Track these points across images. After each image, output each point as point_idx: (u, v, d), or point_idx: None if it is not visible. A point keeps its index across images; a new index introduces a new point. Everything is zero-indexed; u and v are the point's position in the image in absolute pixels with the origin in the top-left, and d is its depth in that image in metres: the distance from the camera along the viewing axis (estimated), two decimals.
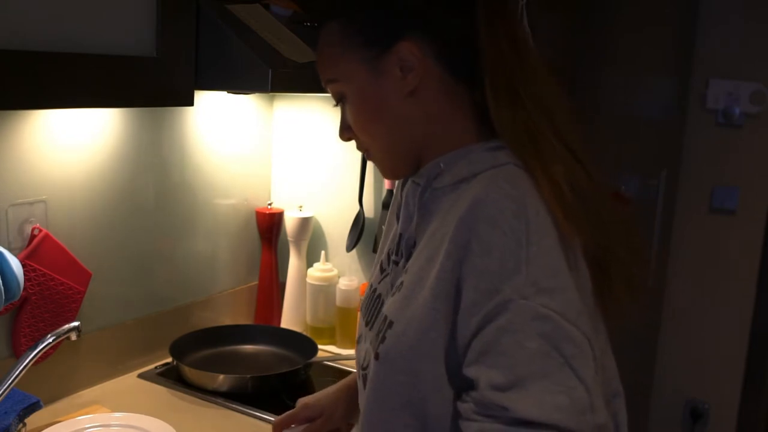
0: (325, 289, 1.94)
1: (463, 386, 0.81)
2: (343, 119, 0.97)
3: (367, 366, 0.92)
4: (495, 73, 0.87)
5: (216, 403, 1.53)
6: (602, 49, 1.86)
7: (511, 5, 0.91)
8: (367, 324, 0.99)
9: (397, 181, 1.09)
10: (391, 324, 0.87)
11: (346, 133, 0.97)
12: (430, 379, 0.83)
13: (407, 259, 0.93)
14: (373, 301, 1.00)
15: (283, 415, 1.21)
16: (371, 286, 1.05)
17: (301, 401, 1.22)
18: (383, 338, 0.88)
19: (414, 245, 0.93)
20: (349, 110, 0.94)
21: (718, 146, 2.58)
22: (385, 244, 1.06)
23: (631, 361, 2.53)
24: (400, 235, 0.96)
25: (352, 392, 1.18)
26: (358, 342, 1.03)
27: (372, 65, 0.90)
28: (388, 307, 0.90)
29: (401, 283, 0.90)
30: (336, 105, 0.97)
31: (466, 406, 0.79)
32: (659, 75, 2.40)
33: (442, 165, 0.91)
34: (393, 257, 0.98)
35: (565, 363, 0.75)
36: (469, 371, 0.79)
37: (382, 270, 1.02)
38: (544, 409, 0.73)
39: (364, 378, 0.94)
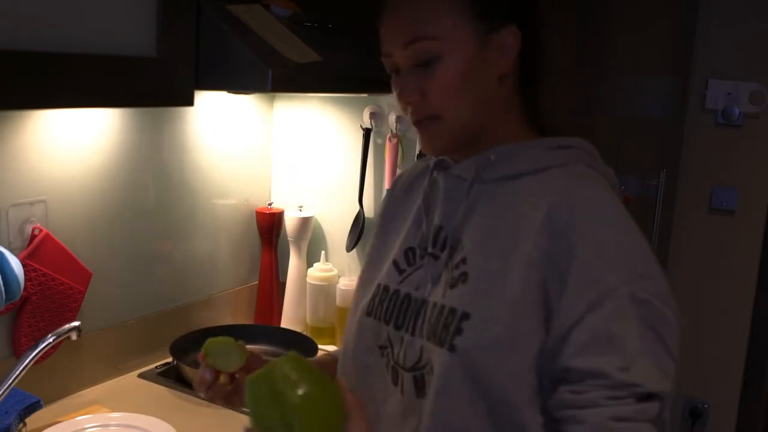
0: (325, 289, 1.94)
1: (558, 377, 0.82)
2: (417, 79, 0.91)
3: (424, 365, 0.91)
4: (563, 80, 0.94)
5: (216, 403, 1.53)
6: (602, 49, 1.86)
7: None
8: (399, 327, 0.96)
9: (405, 179, 1.09)
10: (466, 315, 0.87)
11: (416, 94, 0.92)
12: (514, 369, 0.84)
13: (451, 252, 0.93)
14: (400, 301, 0.97)
15: None
16: (384, 286, 1.00)
17: None
18: (458, 330, 0.87)
19: (460, 238, 0.93)
20: (442, 72, 0.90)
21: (718, 146, 2.59)
22: (392, 242, 1.04)
23: None
24: (439, 227, 0.96)
25: None
26: (386, 347, 0.97)
27: (479, 37, 0.91)
28: (453, 299, 0.89)
29: (462, 274, 0.90)
30: (418, 67, 0.91)
31: (591, 395, 0.80)
32: (659, 75, 2.40)
33: (492, 157, 0.93)
34: (430, 250, 0.96)
35: (658, 340, 0.81)
36: (580, 361, 0.81)
37: (399, 269, 1.00)
38: (658, 381, 0.80)
39: (416, 379, 0.91)
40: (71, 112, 1.48)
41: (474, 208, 0.93)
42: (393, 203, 1.09)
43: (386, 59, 0.95)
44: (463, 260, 0.91)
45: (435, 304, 0.92)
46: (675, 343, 0.83)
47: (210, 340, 1.05)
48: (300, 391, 0.77)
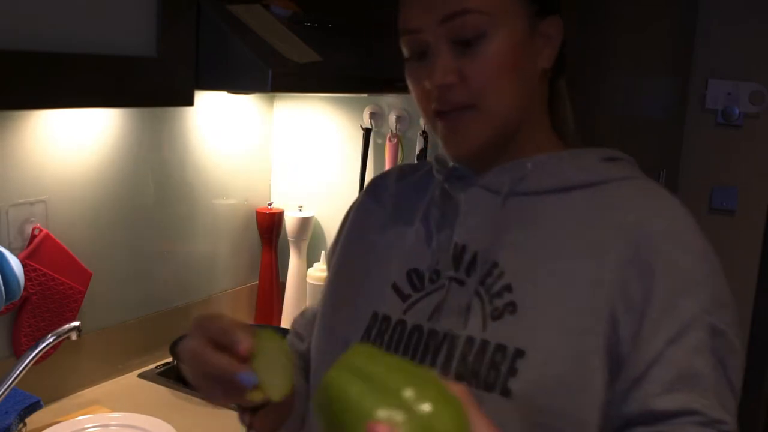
0: None
1: (628, 418, 0.74)
2: (454, 60, 0.80)
3: None
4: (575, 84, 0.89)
5: (211, 401, 1.53)
6: (602, 49, 1.86)
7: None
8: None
9: (396, 187, 0.95)
10: (521, 353, 0.75)
11: (454, 76, 0.80)
12: (581, 413, 0.74)
13: (484, 277, 0.80)
14: (407, 334, 0.83)
15: None
16: (384, 316, 0.85)
17: None
18: (512, 370, 0.75)
19: (495, 261, 0.81)
20: (488, 52, 0.79)
21: (718, 146, 2.59)
22: (376, 257, 0.90)
23: None
24: (463, 247, 0.83)
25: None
26: None
27: (529, 22, 0.82)
28: (500, 333, 0.77)
29: (508, 304, 0.78)
30: (456, 46, 0.80)
31: None
32: (659, 75, 2.40)
33: (530, 165, 0.83)
34: (452, 274, 0.83)
35: (724, 374, 0.76)
36: (666, 401, 0.73)
37: (402, 295, 0.86)
38: (732, 418, 0.75)
39: None
40: (71, 112, 1.48)
41: (508, 226, 0.81)
42: (374, 212, 0.96)
43: (411, 37, 0.82)
44: (507, 287, 0.79)
45: (472, 340, 0.78)
46: (738, 379, 0.77)
47: (265, 336, 0.74)
48: (422, 375, 0.59)
